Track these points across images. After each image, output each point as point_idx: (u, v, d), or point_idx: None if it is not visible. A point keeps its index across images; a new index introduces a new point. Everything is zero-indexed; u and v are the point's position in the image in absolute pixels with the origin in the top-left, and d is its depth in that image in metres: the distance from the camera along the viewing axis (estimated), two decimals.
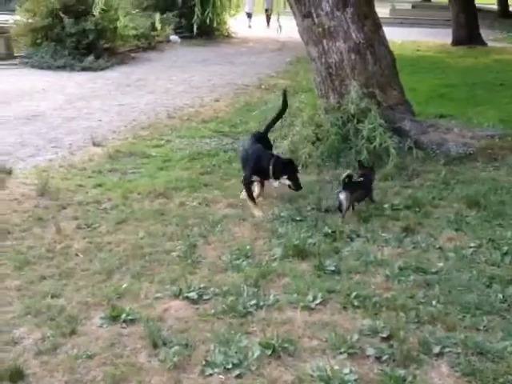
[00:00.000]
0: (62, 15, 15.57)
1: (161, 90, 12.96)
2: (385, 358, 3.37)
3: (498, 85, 13.05)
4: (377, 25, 7.80)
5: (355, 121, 7.13)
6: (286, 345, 3.48)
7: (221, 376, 3.26)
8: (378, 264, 4.54)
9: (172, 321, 3.85)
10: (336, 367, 3.27)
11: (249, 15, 26.64)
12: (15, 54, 16.51)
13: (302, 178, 6.68)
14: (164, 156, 7.81)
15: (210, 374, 3.28)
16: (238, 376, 3.25)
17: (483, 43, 20.49)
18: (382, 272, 4.41)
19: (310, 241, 4.94)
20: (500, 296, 3.94)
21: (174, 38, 20.54)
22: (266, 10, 26.74)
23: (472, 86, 12.80)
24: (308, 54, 8.04)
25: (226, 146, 8.27)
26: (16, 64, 15.80)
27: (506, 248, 4.70)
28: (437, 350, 3.41)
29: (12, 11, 17.87)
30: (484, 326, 3.65)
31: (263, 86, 13.24)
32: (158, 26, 17.38)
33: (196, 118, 10.08)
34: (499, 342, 3.47)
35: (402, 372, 3.22)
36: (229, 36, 23.02)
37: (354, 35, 7.55)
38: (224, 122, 9.71)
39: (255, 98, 11.72)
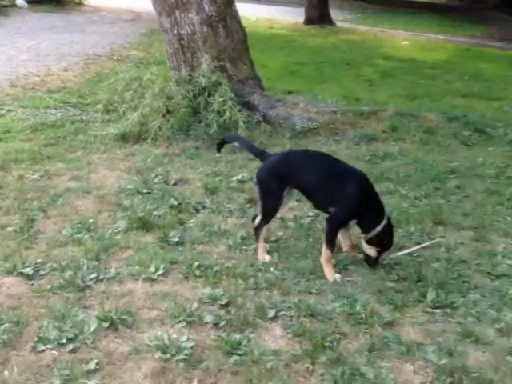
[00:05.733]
0: None
1: (3, 57, 12.04)
2: (222, 324, 3.43)
3: (344, 64, 13.72)
4: None
5: (206, 94, 7.16)
6: (124, 317, 3.43)
7: (54, 351, 3.14)
8: (221, 234, 4.61)
9: (3, 298, 3.63)
10: (174, 336, 3.28)
11: None
12: None
13: (152, 150, 6.66)
14: (3, 127, 7.30)
15: (43, 350, 3.14)
16: (72, 350, 3.14)
17: (332, 23, 21.37)
18: (225, 242, 4.48)
19: (155, 213, 4.90)
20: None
21: (20, 2, 19.20)
22: None
23: (320, 65, 13.34)
24: (160, 25, 7.89)
25: (73, 117, 7.93)
26: None
27: None
28: (272, 313, 3.54)
29: None
30: (316, 290, 3.83)
31: (115, 57, 12.82)
32: None
33: (41, 88, 9.54)
34: (329, 303, 3.67)
35: (237, 336, 3.31)
36: (80, 3, 21.92)
37: (206, 8, 7.53)
38: (72, 93, 9.28)
39: (106, 69, 11.31)
